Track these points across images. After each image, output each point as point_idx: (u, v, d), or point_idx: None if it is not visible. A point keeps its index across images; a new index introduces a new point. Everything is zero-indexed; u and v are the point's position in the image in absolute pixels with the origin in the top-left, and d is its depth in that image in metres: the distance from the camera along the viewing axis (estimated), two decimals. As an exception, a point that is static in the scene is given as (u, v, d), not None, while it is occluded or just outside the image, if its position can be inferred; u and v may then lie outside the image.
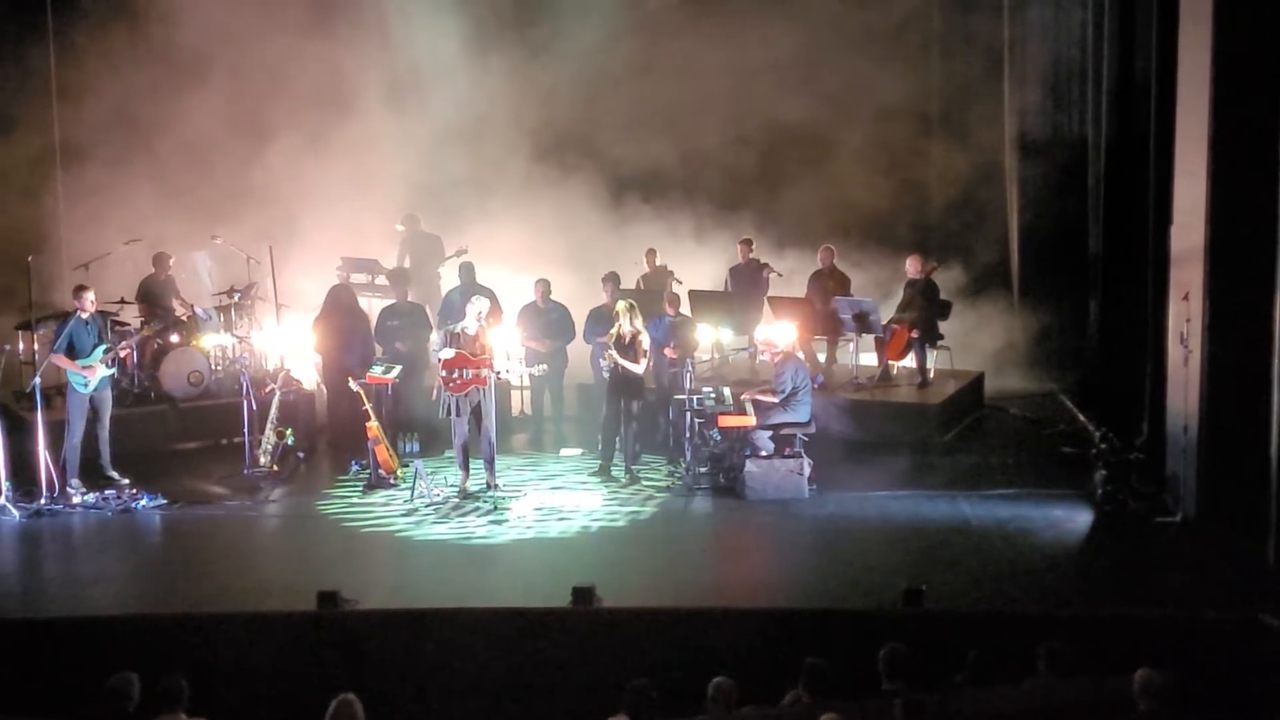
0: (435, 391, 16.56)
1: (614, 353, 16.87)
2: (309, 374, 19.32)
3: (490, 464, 16.44)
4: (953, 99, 23.21)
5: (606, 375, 17.17)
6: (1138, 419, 16.83)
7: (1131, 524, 14.95)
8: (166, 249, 20.38)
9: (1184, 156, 14.93)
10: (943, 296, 19.78)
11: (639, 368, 16.96)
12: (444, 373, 16.27)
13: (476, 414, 16.31)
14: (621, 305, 17.12)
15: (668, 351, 17.78)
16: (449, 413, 16.34)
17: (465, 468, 16.44)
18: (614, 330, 17.02)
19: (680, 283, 20.13)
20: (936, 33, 23.40)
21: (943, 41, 23.40)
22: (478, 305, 16.53)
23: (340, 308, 18.81)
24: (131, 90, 21.86)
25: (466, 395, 16.24)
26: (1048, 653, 10.28)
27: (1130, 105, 17.86)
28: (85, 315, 16.42)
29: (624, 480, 16.93)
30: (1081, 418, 18.84)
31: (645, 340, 16.97)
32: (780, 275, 20.56)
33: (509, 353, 17.28)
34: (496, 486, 16.26)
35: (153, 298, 19.77)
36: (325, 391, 19.21)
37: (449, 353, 16.21)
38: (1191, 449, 14.72)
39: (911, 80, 22.95)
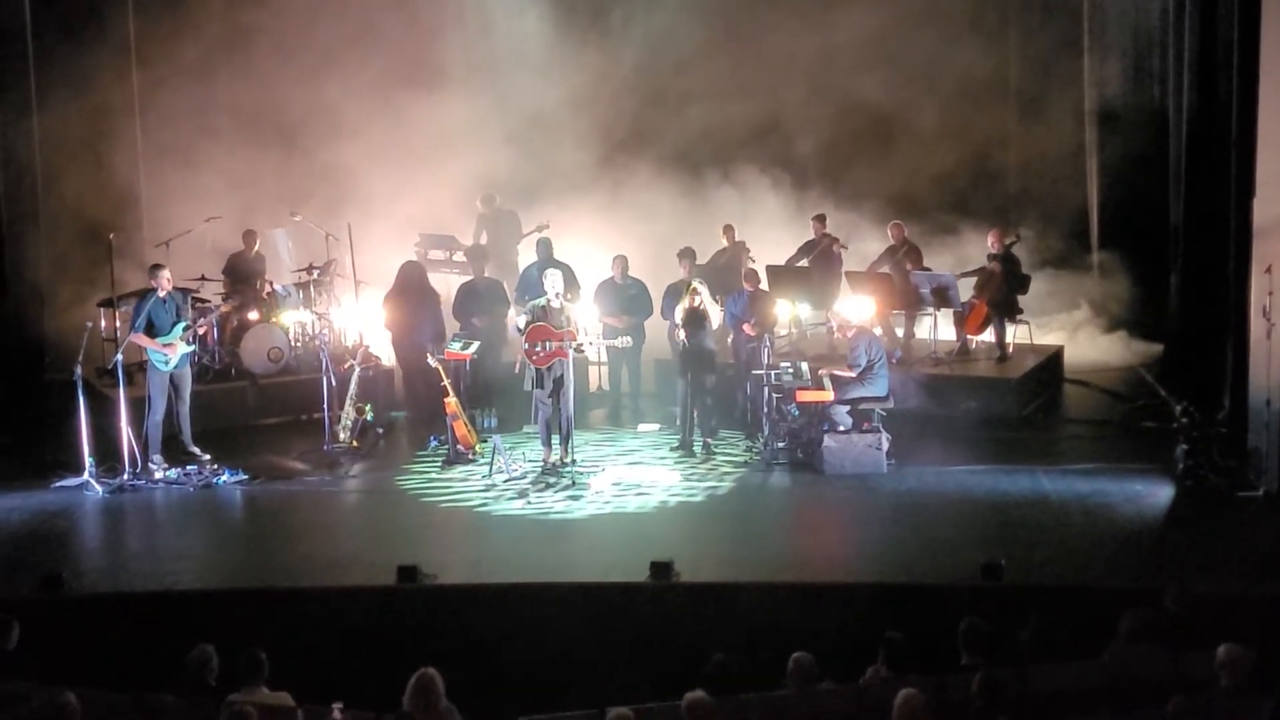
0: (518, 364, 16.60)
1: (682, 332, 16.91)
2: (387, 350, 19.40)
3: (566, 439, 16.46)
4: (1032, 72, 22.95)
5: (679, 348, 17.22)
6: (1219, 393, 16.66)
7: (1213, 499, 14.83)
8: (251, 226, 20.54)
9: (1267, 127, 14.79)
10: (1022, 270, 19.65)
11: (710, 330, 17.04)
12: (526, 345, 16.29)
13: (557, 388, 16.31)
14: (686, 287, 17.16)
15: (746, 327, 17.79)
16: (533, 385, 16.36)
17: (548, 443, 16.49)
18: (681, 306, 17.03)
19: (754, 261, 20.06)
20: (1015, 6, 23.19)
21: (1022, 14, 23.16)
22: (552, 279, 16.55)
23: (410, 285, 18.81)
24: (211, 66, 21.96)
25: (550, 368, 16.28)
26: (1131, 620, 10.24)
27: (1212, 76, 17.64)
28: (163, 294, 16.54)
29: (700, 456, 16.94)
30: (1162, 391, 18.65)
31: (712, 313, 17.02)
32: (846, 248, 20.53)
33: (585, 328, 17.26)
34: (573, 461, 16.28)
35: (239, 274, 19.92)
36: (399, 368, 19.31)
37: (531, 324, 16.24)
38: (1274, 423, 14.60)
39: (990, 54, 22.69)
